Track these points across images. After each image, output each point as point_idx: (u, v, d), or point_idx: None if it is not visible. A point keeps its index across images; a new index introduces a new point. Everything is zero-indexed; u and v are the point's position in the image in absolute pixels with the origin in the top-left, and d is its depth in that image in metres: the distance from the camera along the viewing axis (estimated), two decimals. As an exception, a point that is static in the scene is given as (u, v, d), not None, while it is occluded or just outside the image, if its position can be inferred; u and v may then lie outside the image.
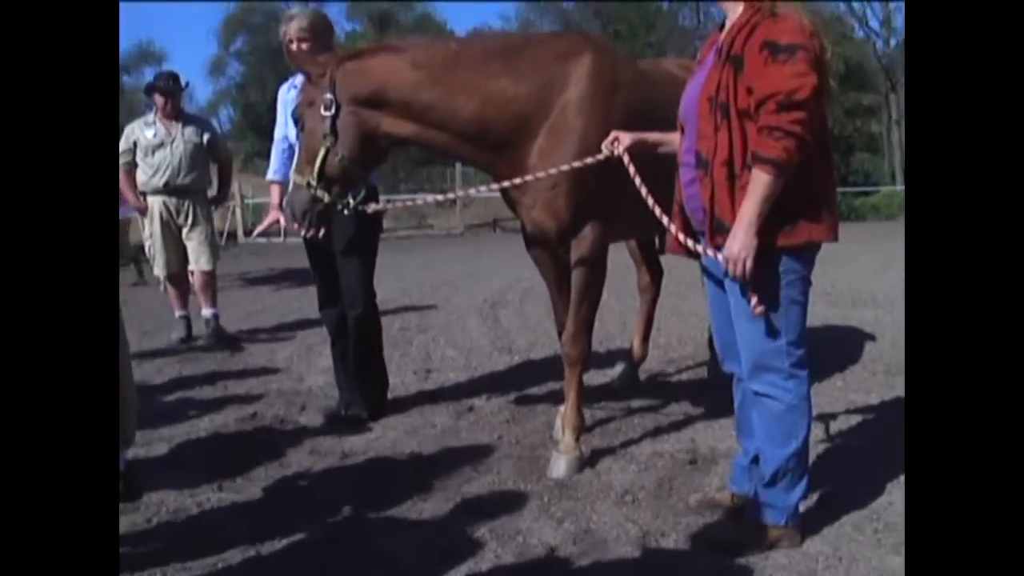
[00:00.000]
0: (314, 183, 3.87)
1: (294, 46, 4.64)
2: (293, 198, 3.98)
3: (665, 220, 3.32)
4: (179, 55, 73.96)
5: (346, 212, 4.02)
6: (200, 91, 42.09)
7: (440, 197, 5.19)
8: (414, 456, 4.41)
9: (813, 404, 3.21)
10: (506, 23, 42.62)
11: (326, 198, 3.89)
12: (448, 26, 39.15)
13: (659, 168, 3.43)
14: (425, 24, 36.12)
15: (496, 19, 47.63)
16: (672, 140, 3.43)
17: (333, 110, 3.82)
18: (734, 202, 2.91)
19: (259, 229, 5.47)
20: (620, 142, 3.53)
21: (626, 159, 3.50)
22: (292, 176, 4.03)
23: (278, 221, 5.17)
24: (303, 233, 4.25)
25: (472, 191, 5.05)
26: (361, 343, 4.97)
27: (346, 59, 3.92)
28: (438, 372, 6.18)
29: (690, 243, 3.22)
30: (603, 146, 3.58)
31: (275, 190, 5.27)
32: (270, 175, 5.33)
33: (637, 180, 3.43)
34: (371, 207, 4.28)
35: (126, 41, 49.66)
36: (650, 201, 3.39)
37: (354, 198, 4.02)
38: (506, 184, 3.92)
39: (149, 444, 4.70)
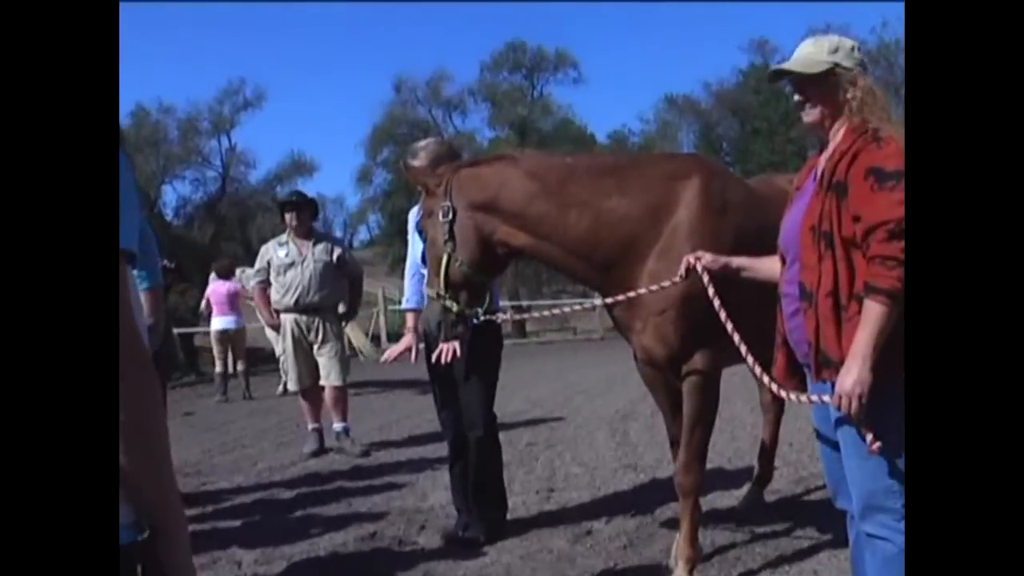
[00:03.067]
0: (442, 293, 3.96)
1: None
2: (427, 312, 4.17)
3: (758, 370, 3.30)
4: (329, 166, 77.42)
5: (475, 321, 4.07)
6: (349, 200, 43.74)
7: (579, 306, 5.14)
8: (527, 584, 4.33)
9: None
10: (645, 125, 43.02)
11: (454, 307, 3.96)
12: (588, 130, 39.65)
13: (764, 296, 3.34)
14: (564, 130, 36.69)
15: (635, 121, 48.09)
16: (758, 266, 3.38)
17: (451, 216, 3.92)
18: (840, 335, 2.79)
19: (389, 355, 5.58)
20: (700, 260, 3.50)
21: (705, 278, 3.46)
22: (425, 291, 4.16)
23: (409, 349, 5.26)
24: (439, 351, 4.55)
25: (608, 300, 4.98)
26: (480, 465, 4.96)
27: (462, 167, 4.08)
28: (560, 491, 6.08)
29: (793, 396, 3.11)
30: (684, 260, 3.55)
31: (410, 317, 5.39)
32: (404, 303, 5.47)
33: (716, 302, 3.40)
34: (499, 316, 4.37)
35: (280, 153, 52.12)
36: (729, 326, 3.37)
37: (481, 307, 4.08)
38: (614, 299, 3.90)
39: (269, 562, 4.81)
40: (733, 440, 7.43)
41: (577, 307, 5.13)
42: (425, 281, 4.21)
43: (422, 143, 4.95)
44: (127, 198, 1.46)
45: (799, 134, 35.65)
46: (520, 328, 28.02)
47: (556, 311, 5.15)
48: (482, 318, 4.09)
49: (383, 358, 5.67)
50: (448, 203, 3.94)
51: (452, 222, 3.92)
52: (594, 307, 4.78)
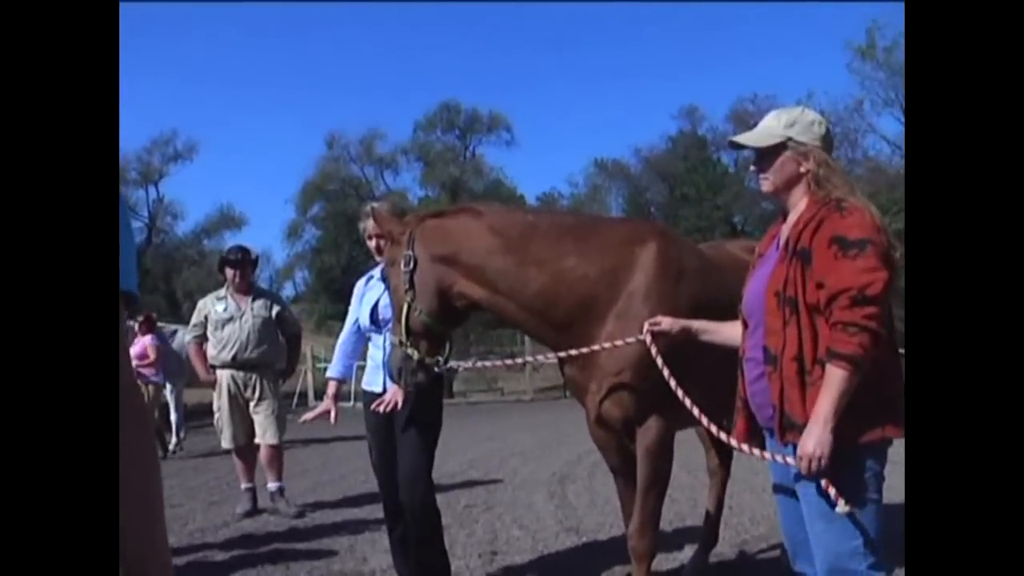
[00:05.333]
0: (404, 341, 3.98)
1: (372, 243, 4.77)
2: (390, 358, 4.13)
3: (705, 420, 3.45)
4: (258, 220, 76.69)
5: (436, 369, 4.09)
6: (277, 255, 43.18)
7: (510, 362, 5.25)
8: (475, 651, 4.25)
9: None
10: (574, 188, 43.50)
11: (415, 355, 3.96)
12: (518, 191, 39.91)
13: (725, 358, 3.38)
14: (496, 190, 36.87)
15: (564, 184, 48.63)
16: (718, 330, 3.45)
17: (412, 265, 3.96)
18: (805, 398, 2.83)
19: (308, 416, 5.50)
20: (660, 325, 3.59)
21: (653, 349, 3.57)
22: (391, 337, 4.18)
23: (328, 412, 5.24)
24: (380, 401, 4.57)
25: (540, 357, 5.01)
26: (418, 532, 4.83)
27: (427, 218, 4.12)
28: (503, 555, 6.00)
29: (756, 452, 3.17)
30: (644, 326, 3.62)
31: (332, 385, 5.38)
32: (330, 371, 5.44)
33: (666, 371, 3.52)
34: (460, 365, 4.37)
35: (208, 206, 51.60)
36: (680, 393, 3.49)
37: (442, 357, 4.09)
38: (569, 353, 3.93)
39: (207, 629, 4.63)
40: (673, 503, 7.41)
41: (533, 359, 5.20)
42: (391, 327, 4.24)
43: (376, 205, 4.94)
44: (125, 236, 1.41)
45: (726, 201, 36.48)
46: (448, 388, 27.84)
47: (510, 361, 5.20)
48: (443, 367, 4.09)
49: (302, 419, 5.61)
50: (410, 252, 3.97)
51: (413, 272, 3.95)
52: (524, 364, 4.81)
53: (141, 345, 12.70)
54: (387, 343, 4.32)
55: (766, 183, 3.12)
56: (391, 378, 4.20)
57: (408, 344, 3.97)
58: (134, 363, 12.54)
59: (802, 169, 3.02)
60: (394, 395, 4.55)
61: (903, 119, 36.07)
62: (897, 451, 2.94)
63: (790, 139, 3.03)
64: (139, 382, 12.53)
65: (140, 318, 13.60)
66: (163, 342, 13.19)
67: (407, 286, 3.96)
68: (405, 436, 4.76)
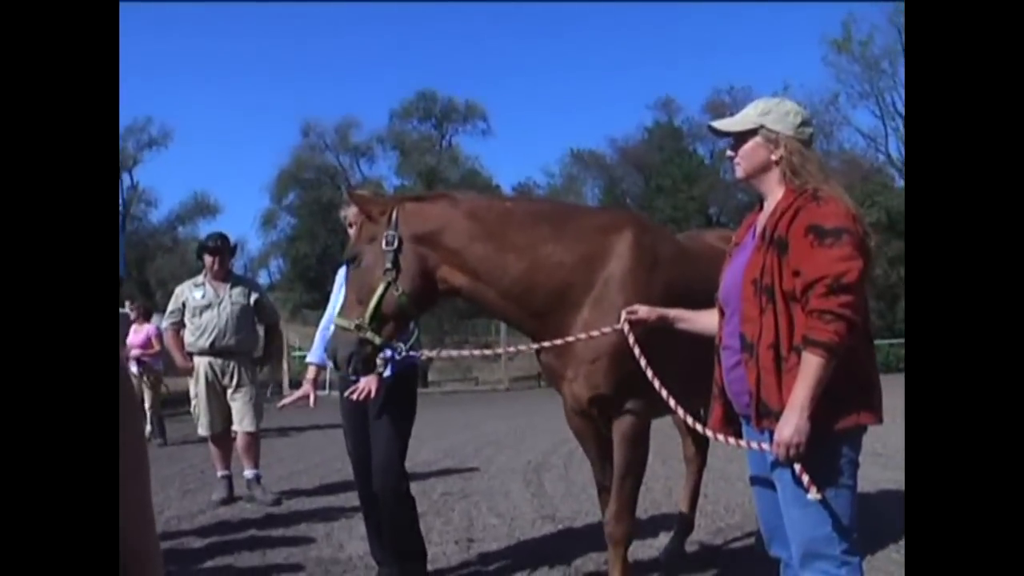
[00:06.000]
0: (364, 324, 3.80)
1: (353, 230, 4.76)
2: (337, 342, 3.91)
3: (681, 411, 3.46)
4: (232, 208, 75.94)
5: (397, 357, 4.01)
6: (252, 243, 42.72)
7: (487, 352, 5.27)
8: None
9: None
10: (550, 178, 43.55)
11: (376, 340, 3.83)
12: (494, 181, 39.88)
13: (698, 345, 3.42)
14: (471, 180, 36.81)
15: (540, 174, 48.58)
16: (695, 318, 3.49)
17: (396, 245, 3.83)
18: (781, 386, 2.86)
19: (287, 401, 5.51)
20: (636, 313, 3.60)
21: (631, 338, 3.58)
22: (336, 321, 3.99)
23: (307, 397, 5.27)
24: (355, 389, 4.50)
25: (512, 349, 5.02)
26: (393, 519, 4.86)
27: (406, 200, 4.04)
28: (480, 542, 6.03)
29: (732, 440, 3.20)
30: (622, 314, 3.63)
31: (311, 370, 5.42)
32: (309, 357, 5.46)
33: (643, 360, 3.52)
34: (423, 354, 4.30)
35: (183, 193, 51.07)
36: (656, 384, 3.49)
37: (405, 343, 4.03)
38: (543, 345, 3.92)
39: (184, 617, 4.63)
40: (648, 491, 7.45)
41: (504, 350, 5.19)
42: (338, 311, 4.06)
43: (357, 192, 4.96)
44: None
45: (701, 192, 36.63)
46: (422, 377, 27.90)
47: (482, 352, 5.21)
48: (404, 353, 4.04)
49: (280, 404, 5.62)
50: (394, 232, 3.85)
51: (397, 251, 3.84)
52: (495, 353, 4.80)
53: (144, 334, 12.63)
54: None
55: (738, 169, 3.16)
56: (334, 365, 4.07)
57: (369, 328, 3.82)
58: (137, 352, 12.50)
59: (773, 157, 3.05)
60: (367, 383, 4.55)
61: (878, 112, 36.44)
62: (870, 443, 2.99)
63: (762, 126, 3.07)
64: (143, 370, 12.46)
65: (135, 305, 13.50)
66: None
67: (389, 266, 3.83)
68: (379, 424, 4.78)
